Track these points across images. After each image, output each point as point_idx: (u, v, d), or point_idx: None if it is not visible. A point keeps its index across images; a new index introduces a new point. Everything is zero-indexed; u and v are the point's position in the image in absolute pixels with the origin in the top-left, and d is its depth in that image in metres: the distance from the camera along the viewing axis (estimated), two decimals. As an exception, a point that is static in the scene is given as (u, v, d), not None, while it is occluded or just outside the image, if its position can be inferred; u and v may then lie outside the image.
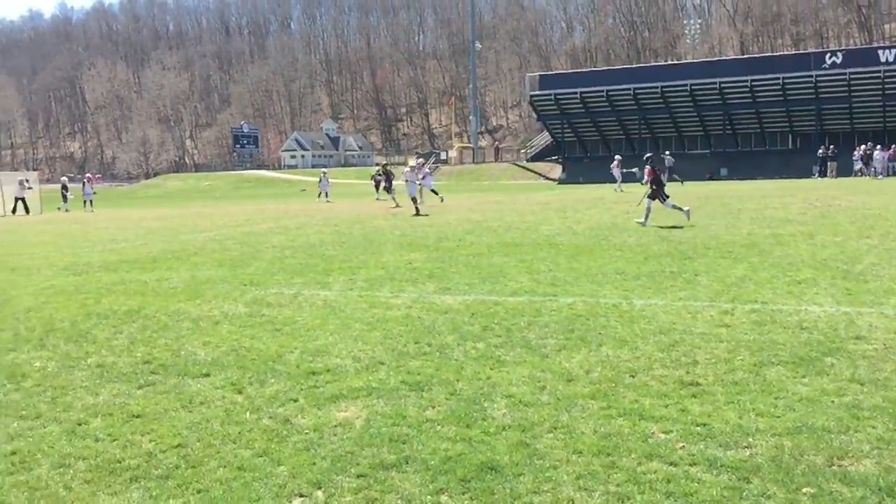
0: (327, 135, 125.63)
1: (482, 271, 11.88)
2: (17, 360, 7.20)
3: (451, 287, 10.50)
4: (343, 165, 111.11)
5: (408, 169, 27.14)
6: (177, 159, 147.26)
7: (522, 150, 72.98)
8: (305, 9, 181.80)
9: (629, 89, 55.88)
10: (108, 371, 6.67)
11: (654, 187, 18.84)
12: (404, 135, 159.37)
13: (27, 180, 36.29)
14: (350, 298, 9.88)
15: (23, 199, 34.79)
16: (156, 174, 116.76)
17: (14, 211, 34.60)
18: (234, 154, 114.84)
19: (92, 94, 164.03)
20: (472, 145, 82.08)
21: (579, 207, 25.77)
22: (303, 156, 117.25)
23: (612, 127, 59.82)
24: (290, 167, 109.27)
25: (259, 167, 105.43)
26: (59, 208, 37.71)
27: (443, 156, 72.08)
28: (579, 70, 75.20)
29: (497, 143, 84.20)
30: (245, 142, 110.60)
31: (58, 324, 8.87)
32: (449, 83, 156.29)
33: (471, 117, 79.11)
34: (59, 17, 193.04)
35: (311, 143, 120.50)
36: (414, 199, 26.07)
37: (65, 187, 38.86)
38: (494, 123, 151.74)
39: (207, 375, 6.39)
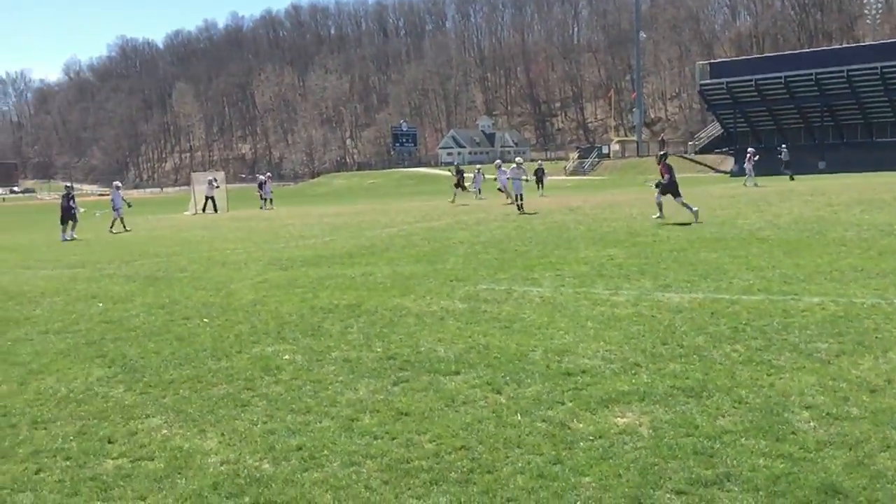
0: (483, 131, 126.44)
1: (696, 268, 11.21)
2: (265, 352, 7.36)
3: (670, 284, 9.94)
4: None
5: (514, 166, 26.63)
6: (338, 159, 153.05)
7: (689, 143, 70.12)
8: (460, 7, 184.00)
9: (810, 74, 52.22)
10: (355, 366, 6.66)
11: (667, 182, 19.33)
12: (559, 130, 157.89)
13: (215, 179, 38.56)
14: (567, 295, 9.54)
15: (212, 198, 36.97)
16: (320, 173, 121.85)
17: (204, 209, 36.86)
18: (394, 152, 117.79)
19: (261, 98, 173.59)
20: (634, 138, 79.83)
21: (772, 200, 24.21)
22: (459, 153, 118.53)
23: (789, 115, 56.24)
24: (446, 164, 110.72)
25: (417, 165, 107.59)
26: (261, 208, 39.09)
27: (603, 150, 70.57)
28: (753, 56, 71.12)
29: (662, 135, 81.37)
30: (404, 140, 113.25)
31: (286, 317, 9.09)
32: (605, 76, 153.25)
33: (634, 109, 76.86)
34: (232, 26, 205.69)
35: (468, 140, 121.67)
36: (518, 196, 25.82)
37: (261, 185, 40.17)
38: (653, 116, 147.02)
39: (458, 373, 6.23)
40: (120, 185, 29.42)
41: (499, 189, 31.37)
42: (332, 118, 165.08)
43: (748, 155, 36.94)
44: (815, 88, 53.07)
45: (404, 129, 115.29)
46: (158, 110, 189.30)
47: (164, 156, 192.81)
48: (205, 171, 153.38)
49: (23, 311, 10.61)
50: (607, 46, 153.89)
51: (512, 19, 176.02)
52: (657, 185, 20.07)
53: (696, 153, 65.21)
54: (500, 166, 32.57)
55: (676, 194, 19.20)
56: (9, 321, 9.81)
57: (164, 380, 6.52)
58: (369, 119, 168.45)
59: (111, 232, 26.72)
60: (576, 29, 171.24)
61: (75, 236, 24.53)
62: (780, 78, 53.50)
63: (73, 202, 25.20)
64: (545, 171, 41.82)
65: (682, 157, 64.03)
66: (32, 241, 24.72)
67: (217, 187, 37.85)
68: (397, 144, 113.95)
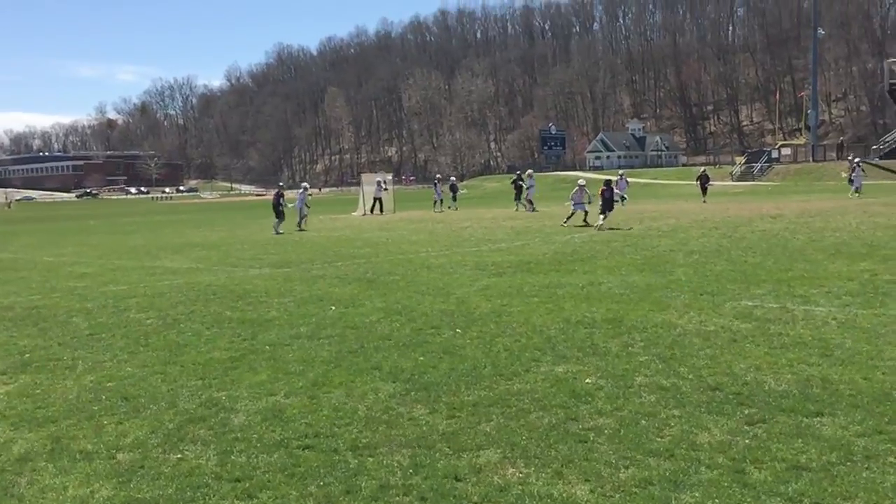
0: (632, 135, 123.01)
1: None
2: (556, 373, 6.60)
3: None
4: (648, 166, 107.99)
5: (576, 189, 24.55)
6: (483, 162, 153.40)
7: (874, 147, 64.85)
8: (608, 8, 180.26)
9: None
10: (678, 396, 5.79)
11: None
12: (711, 133, 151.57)
13: (385, 181, 38.81)
14: (865, 318, 8.30)
15: (379, 199, 37.24)
16: (469, 176, 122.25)
17: (372, 210, 37.17)
18: (542, 155, 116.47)
19: (408, 102, 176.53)
20: (800, 142, 74.95)
21: None
22: (608, 156, 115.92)
23: None
24: (594, 168, 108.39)
25: (565, 168, 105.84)
26: (449, 207, 39.20)
27: (773, 154, 66.48)
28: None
29: (842, 138, 75.65)
30: (552, 143, 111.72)
31: (546, 331, 8.34)
32: (763, 77, 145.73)
33: (808, 111, 71.98)
34: (382, 32, 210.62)
35: (617, 144, 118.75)
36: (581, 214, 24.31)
37: (455, 186, 39.77)
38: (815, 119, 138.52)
39: (821, 415, 5.23)
40: (308, 185, 31.28)
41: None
42: (478, 121, 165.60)
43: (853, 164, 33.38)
44: None
45: (553, 133, 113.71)
46: (311, 114, 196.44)
47: (315, 158, 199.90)
48: (355, 173, 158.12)
49: (259, 312, 10.43)
50: (766, 46, 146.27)
51: (663, 20, 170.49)
52: None
53: (880, 158, 60.17)
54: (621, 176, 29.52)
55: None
56: (253, 323, 9.60)
57: (465, 402, 5.87)
58: (514, 122, 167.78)
59: (300, 229, 27.56)
60: (731, 28, 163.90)
61: (282, 232, 26.24)
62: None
63: (283, 200, 27.06)
64: (709, 176, 39.51)
65: (865, 162, 59.32)
66: (222, 238, 25.45)
67: (385, 189, 38.08)
68: (545, 148, 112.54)
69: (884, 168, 56.25)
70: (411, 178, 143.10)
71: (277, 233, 26.18)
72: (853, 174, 36.22)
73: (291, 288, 12.66)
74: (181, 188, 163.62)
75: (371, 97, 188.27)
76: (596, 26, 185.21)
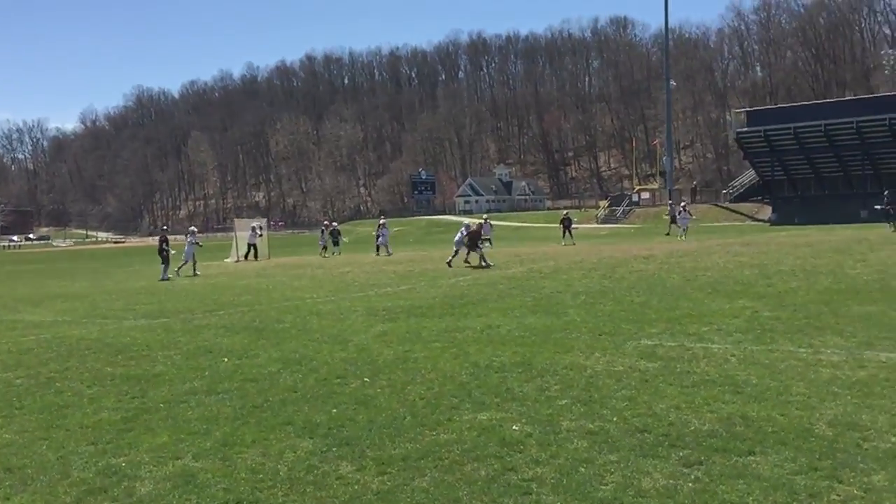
0: (500, 179, 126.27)
1: (872, 320, 10.29)
2: (480, 420, 6.41)
3: (871, 342, 9.00)
4: (515, 209, 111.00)
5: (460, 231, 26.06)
6: (353, 206, 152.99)
7: (724, 191, 69.41)
8: (472, 58, 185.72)
9: (851, 123, 51.65)
10: (609, 440, 5.73)
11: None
12: (572, 178, 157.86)
13: (260, 227, 37.76)
14: (761, 353, 8.63)
15: (254, 245, 36.22)
16: (341, 221, 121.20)
17: (246, 257, 36.06)
18: (412, 200, 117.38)
19: (276, 147, 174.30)
20: (654, 186, 79.26)
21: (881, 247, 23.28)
22: (476, 200, 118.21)
23: (829, 164, 55.58)
24: (464, 212, 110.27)
25: (434, 213, 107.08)
26: (333, 253, 37.94)
27: (634, 198, 69.94)
28: (792, 104, 70.68)
29: (694, 182, 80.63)
30: (423, 188, 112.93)
31: (457, 377, 8.16)
32: (618, 125, 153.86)
33: (664, 158, 76.39)
34: (247, 77, 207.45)
35: (485, 189, 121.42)
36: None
37: (322, 232, 39.11)
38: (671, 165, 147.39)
39: (762, 453, 5.27)
40: (195, 229, 31.74)
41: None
42: (347, 166, 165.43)
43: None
44: (857, 137, 52.47)
45: (423, 177, 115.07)
46: (173, 158, 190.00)
47: (178, 203, 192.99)
48: (221, 218, 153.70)
49: (143, 367, 9.69)
50: (619, 96, 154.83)
51: (525, 70, 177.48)
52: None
53: (730, 202, 64.47)
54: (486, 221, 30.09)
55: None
56: (139, 379, 8.89)
57: (393, 456, 5.57)
58: (383, 167, 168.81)
59: (177, 275, 27.16)
60: (588, 79, 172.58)
61: (169, 276, 26.25)
62: (820, 126, 52.93)
63: (167, 245, 26.95)
64: (571, 219, 41.05)
65: (714, 205, 63.32)
66: (85, 289, 23.86)
67: (260, 235, 37.08)
68: (416, 192, 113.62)
69: (734, 211, 60.36)
70: (280, 223, 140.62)
71: (165, 278, 25.88)
72: (679, 216, 38.39)
73: (174, 340, 11.90)
74: (30, 236, 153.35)
75: (237, 141, 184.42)
76: (461, 74, 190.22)
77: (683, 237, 36.22)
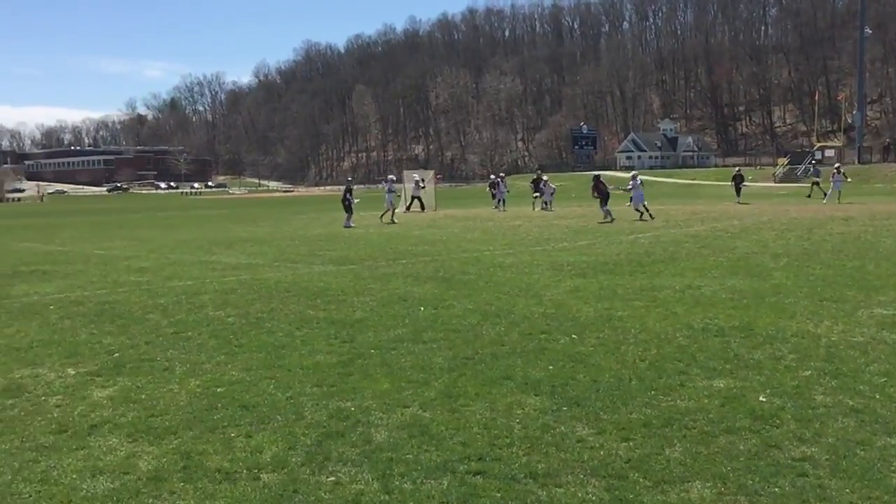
0: (664, 135, 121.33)
1: None
2: (730, 388, 5.90)
3: None
4: (679, 166, 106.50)
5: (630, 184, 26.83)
6: (511, 161, 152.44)
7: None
8: (637, 8, 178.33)
9: None
10: None
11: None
12: (742, 134, 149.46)
13: (423, 181, 38.12)
14: None
15: (418, 198, 36.67)
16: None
17: (409, 208, 36.58)
18: (572, 155, 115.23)
19: (435, 100, 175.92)
20: (848, 143, 73.16)
21: None
22: (639, 156, 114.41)
23: None
24: (625, 168, 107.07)
25: (595, 169, 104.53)
26: (495, 207, 36.39)
27: (817, 156, 64.91)
28: None
29: (886, 140, 73.72)
30: (584, 143, 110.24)
31: (676, 339, 7.64)
32: (796, 78, 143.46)
33: (855, 112, 70.41)
34: (409, 30, 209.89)
35: (649, 144, 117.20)
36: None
37: (495, 185, 37.75)
38: (849, 121, 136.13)
39: None
40: (393, 178, 33.49)
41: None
42: (505, 120, 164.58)
43: None
44: None
45: (584, 132, 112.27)
46: (338, 111, 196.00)
47: (341, 155, 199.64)
48: (381, 170, 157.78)
49: (343, 312, 9.81)
50: (799, 47, 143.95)
51: (695, 19, 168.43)
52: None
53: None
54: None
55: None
56: (343, 324, 8.97)
57: (632, 420, 5.19)
58: (542, 121, 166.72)
59: (392, 221, 28.78)
60: (764, 29, 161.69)
61: (352, 225, 27.24)
62: None
63: (350, 195, 28.36)
64: (743, 176, 38.49)
65: None
66: (268, 234, 24.94)
67: (423, 188, 37.46)
68: (576, 147, 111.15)
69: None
70: (439, 176, 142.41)
71: (348, 225, 27.07)
72: (833, 178, 34.55)
73: (366, 286, 12.04)
74: (209, 184, 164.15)
75: (398, 95, 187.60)
76: (625, 25, 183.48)
77: (838, 200, 33.09)
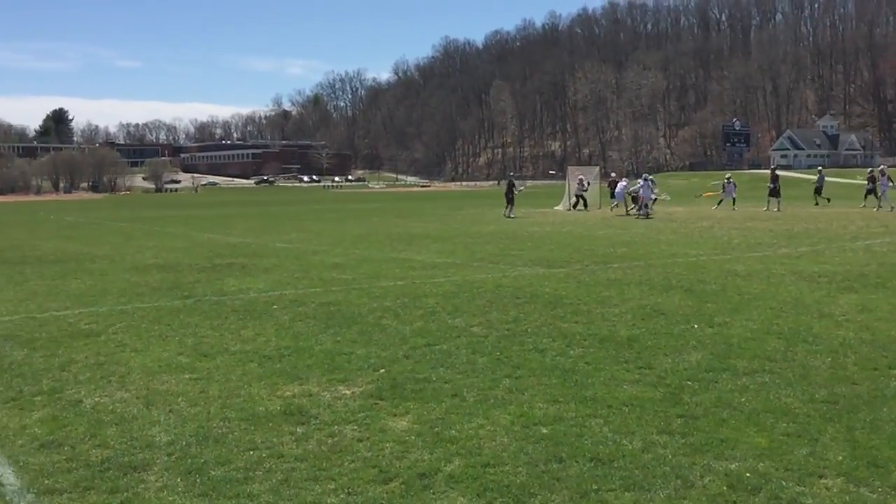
0: (824, 132, 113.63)
1: None
2: None
3: None
4: (841, 166, 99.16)
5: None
6: (655, 158, 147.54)
7: None
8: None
9: None
10: None
11: None
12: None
13: (585, 180, 36.34)
14: None
15: (582, 196, 35.20)
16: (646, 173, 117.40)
17: (575, 206, 35.12)
18: (724, 152, 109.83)
19: (574, 96, 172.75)
20: None
21: None
22: (795, 155, 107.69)
23: None
24: (780, 167, 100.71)
25: (750, 167, 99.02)
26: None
27: None
28: None
29: None
30: (736, 140, 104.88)
31: None
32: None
33: None
34: (548, 26, 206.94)
35: (807, 142, 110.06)
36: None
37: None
38: None
39: None
40: (650, 176, 33.29)
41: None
42: (647, 116, 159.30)
43: None
44: None
45: (737, 129, 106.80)
46: (475, 107, 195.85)
47: (478, 150, 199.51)
48: (517, 166, 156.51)
49: (599, 326, 8.50)
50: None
51: (857, 8, 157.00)
52: None
53: None
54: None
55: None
56: (614, 342, 7.65)
57: None
58: (685, 118, 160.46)
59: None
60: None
61: (513, 216, 29.38)
62: None
63: (514, 188, 30.80)
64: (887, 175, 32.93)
65: None
66: (441, 230, 24.12)
67: (585, 189, 35.75)
68: (727, 144, 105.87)
69: None
70: (612, 174, 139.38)
71: (508, 216, 28.90)
72: (880, 184, 30.06)
73: (601, 295, 10.68)
74: (349, 178, 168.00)
75: (536, 90, 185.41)
76: (779, 16, 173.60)
77: (892, 208, 28.93)
